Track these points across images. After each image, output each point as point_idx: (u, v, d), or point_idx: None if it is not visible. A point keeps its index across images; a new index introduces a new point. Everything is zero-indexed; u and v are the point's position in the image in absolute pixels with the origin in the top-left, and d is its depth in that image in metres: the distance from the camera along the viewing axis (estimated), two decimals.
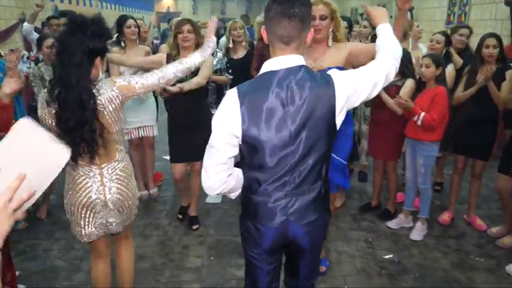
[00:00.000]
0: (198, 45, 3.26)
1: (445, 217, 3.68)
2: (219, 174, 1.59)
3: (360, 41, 4.19)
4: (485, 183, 3.97)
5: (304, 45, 1.56)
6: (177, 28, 3.23)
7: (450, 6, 8.35)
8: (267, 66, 1.53)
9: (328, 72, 1.58)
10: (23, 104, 3.56)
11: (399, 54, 1.71)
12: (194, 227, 3.55)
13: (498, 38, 3.30)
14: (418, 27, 4.40)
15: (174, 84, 2.85)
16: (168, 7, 27.19)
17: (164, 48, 3.86)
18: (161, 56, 3.39)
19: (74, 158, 1.97)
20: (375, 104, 3.59)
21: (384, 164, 3.75)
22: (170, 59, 3.19)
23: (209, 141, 1.58)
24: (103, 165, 2.05)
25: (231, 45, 4.49)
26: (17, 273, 2.90)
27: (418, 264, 3.08)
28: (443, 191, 4.31)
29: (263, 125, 1.48)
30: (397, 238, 3.43)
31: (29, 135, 1.01)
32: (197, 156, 3.26)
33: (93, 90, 1.91)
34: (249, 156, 1.58)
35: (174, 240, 3.40)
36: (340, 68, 2.27)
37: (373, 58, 1.71)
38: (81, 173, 2.05)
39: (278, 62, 1.50)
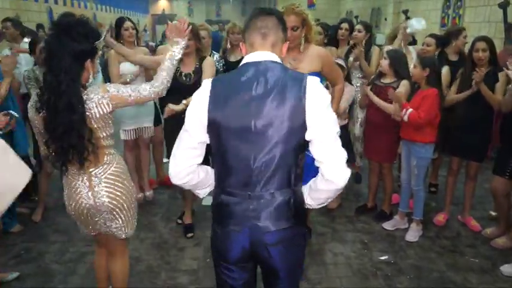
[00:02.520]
0: (198, 50, 3.29)
1: (440, 218, 3.70)
2: (188, 160, 1.56)
3: (355, 45, 4.18)
4: (480, 185, 3.99)
5: (280, 54, 1.57)
6: None
7: (444, 8, 8.43)
8: (245, 59, 1.55)
9: (309, 82, 1.48)
10: (18, 106, 3.53)
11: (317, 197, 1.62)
12: (189, 235, 3.48)
13: (488, 41, 3.32)
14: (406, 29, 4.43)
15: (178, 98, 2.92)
16: (164, 9, 27.21)
17: (162, 49, 3.86)
18: (162, 58, 3.41)
19: (63, 164, 1.95)
20: (370, 105, 3.61)
21: (379, 165, 3.76)
22: None
23: (182, 128, 1.58)
24: (91, 170, 1.99)
25: (229, 47, 4.52)
26: (16, 274, 2.90)
27: (413, 265, 3.09)
28: (438, 192, 4.34)
29: (227, 111, 1.47)
30: (393, 239, 3.44)
31: None
32: None
33: (83, 94, 1.87)
34: (213, 145, 1.55)
35: (170, 243, 3.39)
36: (316, 74, 2.47)
37: (336, 79, 2.26)
38: (72, 179, 2.03)
39: (255, 56, 1.53)
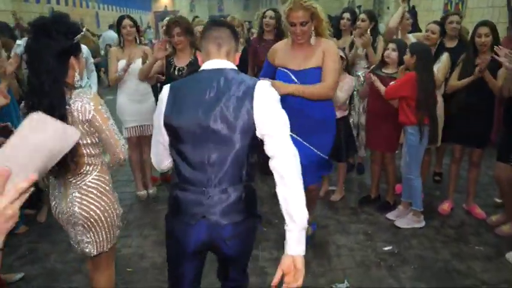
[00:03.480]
0: (192, 44, 3.30)
1: (445, 207, 3.68)
2: (164, 152, 1.74)
3: (362, 34, 4.06)
4: (484, 172, 3.95)
5: (234, 63, 1.71)
6: (167, 33, 3.29)
7: None
8: (202, 66, 1.69)
9: (258, 85, 1.59)
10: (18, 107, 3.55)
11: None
12: None
13: (491, 26, 3.27)
14: (408, 20, 4.35)
15: None
16: (166, 6, 27.19)
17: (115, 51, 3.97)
18: (160, 65, 3.56)
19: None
20: (371, 95, 3.59)
21: (381, 155, 3.74)
22: (169, 58, 3.37)
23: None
24: (68, 177, 1.90)
25: None
26: (21, 274, 2.93)
27: (417, 255, 3.08)
28: (442, 181, 4.30)
29: (183, 112, 1.59)
30: (396, 230, 3.42)
31: (38, 126, 0.97)
32: None
33: (72, 95, 1.81)
34: (171, 144, 1.68)
35: None
36: (320, 68, 2.55)
37: (325, 76, 2.47)
38: (52, 184, 1.99)
39: (211, 63, 1.66)
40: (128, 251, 3.18)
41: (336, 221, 3.60)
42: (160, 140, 1.71)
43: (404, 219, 3.48)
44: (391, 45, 3.47)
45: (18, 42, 4.66)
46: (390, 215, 3.61)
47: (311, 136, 2.67)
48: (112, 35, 10.02)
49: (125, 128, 3.94)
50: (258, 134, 1.58)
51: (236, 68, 1.69)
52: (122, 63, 3.78)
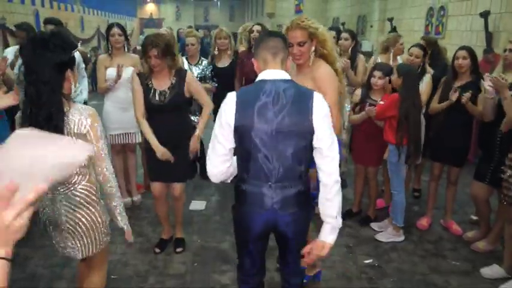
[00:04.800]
0: (171, 67, 2.97)
1: (423, 222, 3.79)
2: (223, 164, 1.92)
3: (340, 54, 4.21)
4: (461, 189, 4.10)
5: (286, 68, 1.92)
6: (144, 53, 2.93)
7: (428, 17, 8.59)
8: (261, 76, 1.88)
9: (315, 93, 1.87)
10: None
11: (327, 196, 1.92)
12: (178, 249, 3.33)
13: (469, 51, 3.43)
14: (401, 44, 4.49)
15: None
16: (151, 13, 27.14)
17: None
18: (138, 96, 3.03)
19: None
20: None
21: (365, 169, 3.84)
22: (143, 79, 2.99)
23: (212, 135, 1.91)
24: (58, 186, 1.95)
25: (216, 53, 4.57)
26: None
27: (397, 268, 3.17)
28: (421, 197, 4.43)
29: (251, 117, 1.80)
30: (377, 243, 3.51)
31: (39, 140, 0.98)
32: (176, 177, 3.18)
33: (69, 107, 1.87)
34: (240, 146, 1.87)
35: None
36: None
37: None
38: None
39: (269, 74, 1.87)
40: (112, 258, 3.16)
41: (318, 233, 3.66)
42: (225, 151, 1.89)
43: (385, 234, 3.58)
44: (377, 73, 3.53)
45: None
46: (374, 225, 3.74)
47: None
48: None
49: (109, 134, 3.92)
50: (314, 141, 1.84)
51: (289, 77, 1.90)
52: (110, 71, 3.79)
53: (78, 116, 1.90)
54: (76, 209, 1.99)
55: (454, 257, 3.33)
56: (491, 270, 3.06)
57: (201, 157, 4.55)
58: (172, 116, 2.99)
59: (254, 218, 1.93)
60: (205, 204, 4.21)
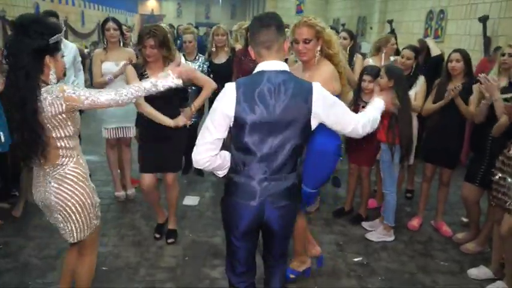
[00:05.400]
0: (166, 58, 3.02)
1: (414, 223, 3.83)
2: (207, 152, 1.88)
3: None
4: (453, 191, 4.13)
5: (284, 53, 1.91)
6: (140, 43, 2.99)
7: (428, 20, 8.63)
8: (259, 67, 1.88)
9: (314, 85, 1.87)
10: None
11: (372, 127, 2.07)
12: (169, 240, 3.38)
13: (463, 53, 3.46)
14: (393, 44, 4.53)
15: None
16: (152, 9, 27.10)
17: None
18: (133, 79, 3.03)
19: (25, 157, 2.00)
20: None
21: (358, 169, 3.87)
22: (138, 69, 3.06)
23: (204, 123, 1.89)
24: (45, 167, 2.03)
25: (213, 49, 4.60)
26: None
27: (385, 267, 3.20)
28: (413, 198, 4.47)
29: (251, 108, 1.80)
30: (368, 242, 3.55)
31: None
32: (168, 167, 3.25)
33: (38, 91, 1.89)
34: (237, 137, 1.87)
35: (150, 240, 3.43)
36: None
37: None
38: (34, 172, 2.13)
39: (266, 65, 1.86)
40: (104, 250, 3.19)
41: (309, 231, 3.69)
42: (211, 139, 1.86)
43: (375, 233, 3.61)
44: (367, 77, 3.56)
45: None
46: (365, 224, 3.77)
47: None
48: None
49: (104, 128, 3.94)
50: (315, 125, 1.89)
51: (287, 68, 1.90)
52: (106, 66, 3.81)
53: (49, 97, 1.90)
54: (64, 190, 2.04)
55: (442, 258, 3.36)
56: (479, 271, 3.09)
57: None
58: (165, 107, 3.03)
59: (243, 209, 1.92)
60: (199, 200, 4.24)
